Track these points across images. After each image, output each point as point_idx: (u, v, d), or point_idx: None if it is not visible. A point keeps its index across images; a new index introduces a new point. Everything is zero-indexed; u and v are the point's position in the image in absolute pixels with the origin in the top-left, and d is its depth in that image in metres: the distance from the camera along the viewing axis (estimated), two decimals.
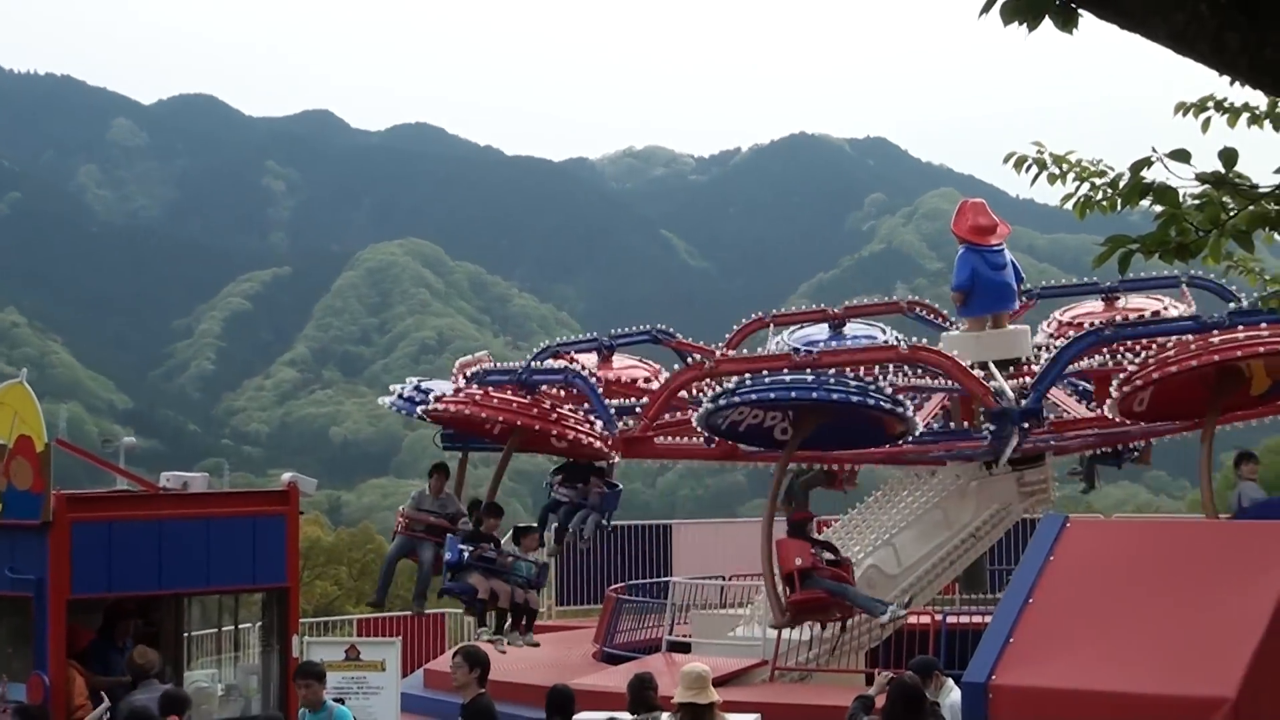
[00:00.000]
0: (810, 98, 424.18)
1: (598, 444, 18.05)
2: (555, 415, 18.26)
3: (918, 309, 23.14)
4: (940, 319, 22.53)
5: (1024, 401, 17.03)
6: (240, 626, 16.06)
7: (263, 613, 15.10)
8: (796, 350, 17.27)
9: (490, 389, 18.41)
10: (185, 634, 14.97)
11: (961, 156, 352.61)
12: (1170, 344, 16.30)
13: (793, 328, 22.58)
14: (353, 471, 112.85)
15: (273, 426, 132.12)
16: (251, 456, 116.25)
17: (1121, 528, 9.27)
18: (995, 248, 19.82)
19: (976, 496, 19.19)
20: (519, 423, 18.00)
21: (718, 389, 16.43)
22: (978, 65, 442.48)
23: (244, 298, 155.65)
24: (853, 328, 22.29)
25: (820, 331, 22.23)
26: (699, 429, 17.21)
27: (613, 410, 18.12)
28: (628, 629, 21.09)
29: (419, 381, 20.26)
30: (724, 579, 22.43)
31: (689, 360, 21.13)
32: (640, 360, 22.10)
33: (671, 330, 22.13)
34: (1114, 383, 16.52)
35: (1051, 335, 21.45)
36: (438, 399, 18.29)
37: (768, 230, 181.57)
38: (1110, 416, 17.01)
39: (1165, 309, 21.58)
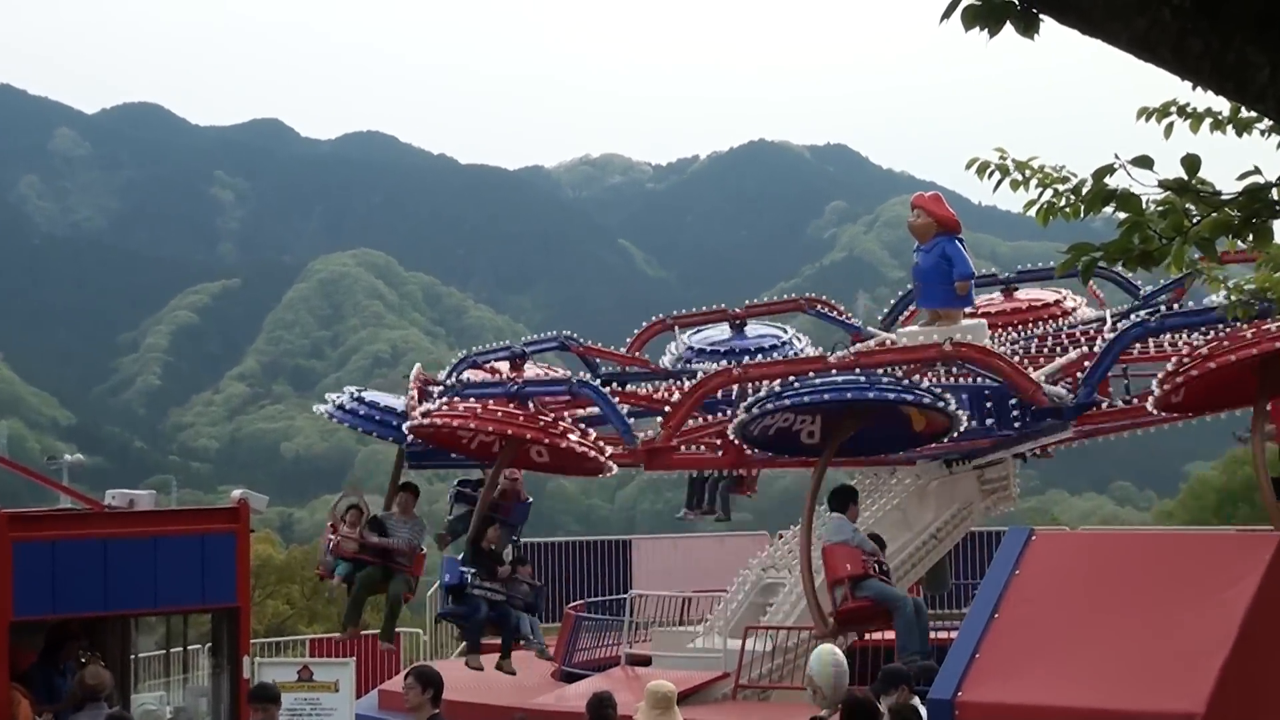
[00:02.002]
0: (769, 104, 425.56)
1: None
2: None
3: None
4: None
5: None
6: (189, 648, 15.94)
7: (212, 633, 15.00)
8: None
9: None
10: (132, 656, 14.86)
11: (923, 163, 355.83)
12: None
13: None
14: (305, 488, 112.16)
15: (222, 442, 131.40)
16: (200, 473, 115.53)
17: (1088, 540, 9.30)
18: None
19: (936, 496, 19.21)
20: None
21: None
22: (939, 71, 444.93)
23: (192, 310, 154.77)
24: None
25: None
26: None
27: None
28: (587, 647, 21.05)
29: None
30: (686, 595, 22.38)
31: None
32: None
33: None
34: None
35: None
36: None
37: (727, 239, 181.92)
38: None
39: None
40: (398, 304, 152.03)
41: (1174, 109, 6.74)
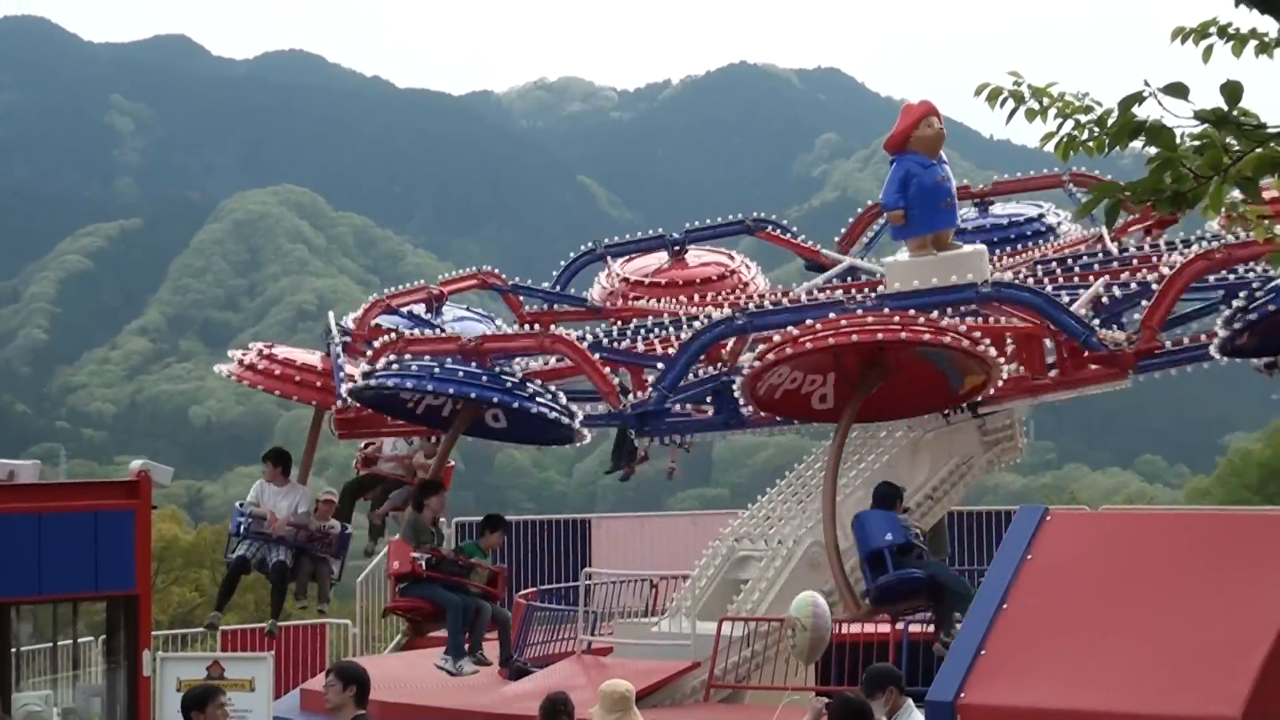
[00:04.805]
0: (752, 22, 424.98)
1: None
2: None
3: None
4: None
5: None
6: (80, 640, 15.90)
7: (107, 624, 14.97)
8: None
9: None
10: (12, 649, 14.80)
11: (925, 90, 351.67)
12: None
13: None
14: (216, 459, 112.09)
15: (120, 406, 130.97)
16: (94, 441, 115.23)
17: (1110, 521, 9.33)
18: None
19: (931, 451, 19.18)
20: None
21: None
22: None
23: (84, 255, 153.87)
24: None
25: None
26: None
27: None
28: (540, 641, 21.09)
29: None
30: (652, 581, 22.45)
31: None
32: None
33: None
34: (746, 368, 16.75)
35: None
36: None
37: (703, 176, 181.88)
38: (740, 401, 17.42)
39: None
40: (325, 248, 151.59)
41: (1214, 29, 6.72)
